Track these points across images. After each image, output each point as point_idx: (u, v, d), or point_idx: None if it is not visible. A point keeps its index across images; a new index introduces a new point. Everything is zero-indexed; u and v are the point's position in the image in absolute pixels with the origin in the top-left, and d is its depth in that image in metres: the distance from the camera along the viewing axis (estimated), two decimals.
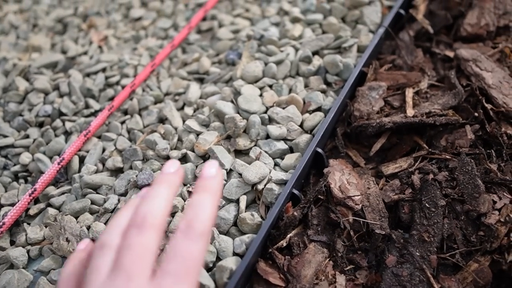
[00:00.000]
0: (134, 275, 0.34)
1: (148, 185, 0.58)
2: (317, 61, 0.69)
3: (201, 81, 0.74)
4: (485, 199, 0.51)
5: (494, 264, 0.49)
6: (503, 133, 0.57)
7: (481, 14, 0.72)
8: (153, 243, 0.36)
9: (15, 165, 0.67)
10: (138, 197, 0.41)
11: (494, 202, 0.52)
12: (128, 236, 0.36)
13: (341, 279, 0.50)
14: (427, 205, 0.52)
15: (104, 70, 0.78)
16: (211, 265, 0.50)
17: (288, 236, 0.53)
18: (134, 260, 0.34)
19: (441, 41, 0.74)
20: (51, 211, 0.60)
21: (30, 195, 0.60)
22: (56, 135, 0.69)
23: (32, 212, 0.61)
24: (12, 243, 0.59)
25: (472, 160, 0.55)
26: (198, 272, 0.36)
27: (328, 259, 0.52)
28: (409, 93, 0.64)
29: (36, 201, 0.63)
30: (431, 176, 0.55)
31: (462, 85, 0.64)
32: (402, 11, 0.77)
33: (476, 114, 0.60)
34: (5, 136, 0.70)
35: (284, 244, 0.53)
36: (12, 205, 0.62)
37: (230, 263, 0.48)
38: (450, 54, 0.70)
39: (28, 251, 0.56)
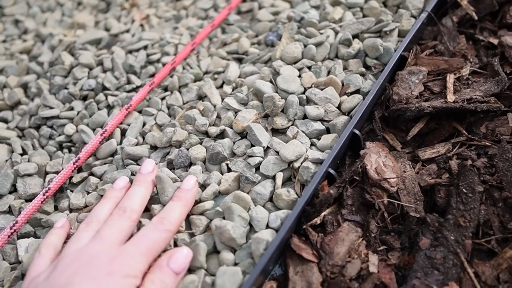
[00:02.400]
0: (108, 240, 0.47)
1: (184, 167, 0.60)
2: (357, 44, 0.69)
3: (240, 61, 0.75)
4: None
5: None
6: None
7: None
8: (128, 227, 0.50)
9: (59, 135, 0.70)
10: (114, 190, 0.55)
11: None
12: (110, 218, 0.50)
13: (373, 259, 0.51)
14: (464, 190, 0.52)
15: (145, 47, 0.80)
16: (245, 228, 0.51)
17: (322, 214, 0.54)
18: (111, 233, 0.48)
19: (485, 28, 0.72)
20: (93, 179, 0.62)
21: (74, 164, 0.62)
22: (99, 108, 0.72)
23: (75, 180, 0.64)
24: (56, 208, 0.62)
25: (511, 148, 0.54)
26: (155, 254, 0.48)
27: (361, 239, 0.53)
28: (450, 78, 0.63)
29: (79, 170, 0.65)
30: (469, 162, 0.55)
31: (506, 73, 0.63)
32: None
33: None
34: (51, 108, 0.73)
35: (318, 222, 0.53)
36: (57, 172, 0.65)
37: (266, 235, 0.49)
38: (494, 41, 0.68)
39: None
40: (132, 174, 0.61)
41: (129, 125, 0.68)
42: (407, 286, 0.48)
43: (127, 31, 0.87)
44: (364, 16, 0.75)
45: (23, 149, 0.70)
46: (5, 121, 0.75)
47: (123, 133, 0.68)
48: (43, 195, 0.59)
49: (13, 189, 0.65)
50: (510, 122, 0.58)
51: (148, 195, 0.54)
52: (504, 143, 0.55)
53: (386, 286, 0.49)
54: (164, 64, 0.76)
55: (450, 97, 0.60)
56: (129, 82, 0.75)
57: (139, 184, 0.54)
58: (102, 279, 0.43)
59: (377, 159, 0.57)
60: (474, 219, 0.51)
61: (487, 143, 0.57)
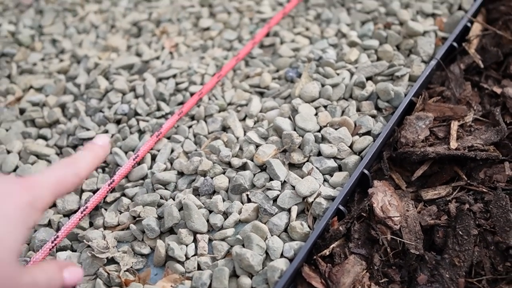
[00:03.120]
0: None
1: (208, 195, 0.66)
2: (370, 87, 0.75)
3: (261, 94, 0.82)
4: None
5: None
6: None
7: None
8: (70, 177, 0.48)
9: None
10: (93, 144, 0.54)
11: None
12: (57, 165, 0.48)
13: None
14: (460, 232, 0.58)
15: (174, 76, 0.87)
16: (262, 256, 0.58)
17: (331, 246, 0.60)
18: (52, 170, 0.47)
19: (490, 76, 0.78)
20: (125, 200, 0.69)
21: (109, 185, 0.69)
22: (131, 133, 0.79)
23: (109, 199, 0.70)
24: (91, 224, 0.69)
25: (507, 196, 0.60)
26: (61, 191, 0.47)
27: (365, 271, 0.59)
28: (454, 126, 0.69)
29: (112, 190, 0.72)
30: (466, 206, 0.61)
31: (506, 123, 0.68)
32: (455, 44, 0.81)
33: None
34: (87, 129, 0.80)
35: (327, 253, 0.60)
36: (92, 191, 0.72)
37: (281, 264, 0.55)
38: (498, 90, 0.74)
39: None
40: (161, 197, 0.68)
41: (159, 150, 0.75)
42: None
43: (158, 57, 0.94)
44: (378, 58, 0.82)
45: None
46: (45, 138, 0.83)
47: (153, 158, 0.74)
48: (81, 213, 0.66)
49: (53, 204, 0.72)
50: (507, 170, 0.64)
51: (93, 164, 0.52)
52: (499, 191, 0.61)
53: None
54: (191, 94, 0.83)
55: (453, 144, 0.66)
56: (159, 109, 0.82)
57: (88, 150, 0.53)
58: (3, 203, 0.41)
59: (383, 198, 0.63)
60: (468, 259, 0.57)
61: (484, 189, 0.62)
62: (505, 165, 0.64)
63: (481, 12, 0.89)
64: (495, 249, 0.57)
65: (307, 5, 1.00)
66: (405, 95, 0.73)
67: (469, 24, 0.85)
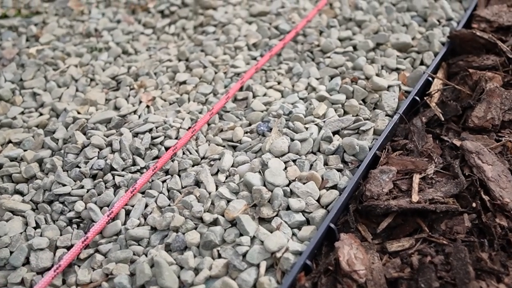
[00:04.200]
0: None
1: (180, 250, 0.68)
2: (336, 141, 0.78)
3: (234, 148, 0.84)
4: (474, 286, 0.59)
5: None
6: (497, 224, 0.65)
7: (488, 108, 0.81)
8: None
9: (70, 211, 0.78)
10: None
11: None
12: None
13: None
14: (422, 285, 0.60)
15: (150, 130, 0.90)
16: None
17: None
18: None
19: (451, 129, 0.82)
20: (99, 257, 0.70)
21: (82, 242, 0.70)
22: (106, 188, 0.80)
23: (82, 256, 0.71)
24: (64, 282, 0.70)
25: (465, 248, 0.62)
26: None
27: None
28: (416, 179, 0.72)
29: (86, 246, 0.73)
30: (428, 258, 0.63)
31: (464, 175, 0.72)
32: (417, 98, 0.86)
33: (474, 204, 0.68)
34: (64, 185, 0.81)
35: None
36: (66, 247, 0.73)
37: None
38: (457, 143, 0.78)
39: None
40: (134, 254, 0.69)
41: (133, 206, 0.76)
42: None
43: (135, 112, 0.97)
44: (344, 112, 0.86)
45: (36, 222, 0.78)
46: (21, 193, 0.84)
47: (128, 213, 0.76)
48: (54, 271, 0.67)
49: (26, 262, 0.72)
50: (466, 222, 0.67)
51: None
52: (458, 243, 0.63)
53: None
54: (166, 148, 0.85)
55: (415, 197, 0.69)
56: (134, 163, 0.84)
57: None
58: None
59: (349, 251, 0.66)
60: None
61: (444, 242, 0.65)
62: (464, 217, 0.67)
63: (442, 66, 0.95)
64: None
65: (280, 59, 1.05)
66: (370, 149, 0.76)
67: (430, 79, 0.90)
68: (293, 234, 0.68)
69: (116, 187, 0.81)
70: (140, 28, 1.26)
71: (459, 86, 0.87)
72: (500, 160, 0.74)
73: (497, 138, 0.78)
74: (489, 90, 0.82)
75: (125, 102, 1.00)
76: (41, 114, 1.02)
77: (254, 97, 0.95)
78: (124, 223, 0.74)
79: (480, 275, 0.61)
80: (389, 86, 0.89)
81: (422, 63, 0.95)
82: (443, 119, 0.83)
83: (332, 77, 0.95)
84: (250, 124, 0.89)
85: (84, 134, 0.92)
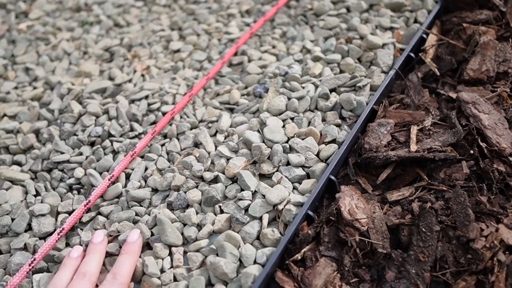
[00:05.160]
0: None
1: (182, 208, 0.68)
2: (334, 98, 0.78)
3: (231, 110, 0.84)
4: (474, 227, 0.60)
5: (479, 284, 0.57)
6: (495, 169, 0.66)
7: (482, 61, 0.81)
8: None
9: (70, 178, 0.78)
10: (70, 258, 0.63)
11: (482, 230, 0.60)
12: (72, 284, 0.59)
13: None
14: (423, 229, 0.61)
15: (146, 97, 0.89)
16: (236, 263, 0.59)
17: (303, 250, 0.62)
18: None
19: (446, 83, 0.83)
20: (101, 218, 0.70)
21: (85, 206, 0.70)
22: (105, 154, 0.80)
23: (84, 219, 0.71)
24: (67, 245, 0.70)
25: (465, 192, 0.63)
26: None
27: (336, 272, 0.61)
28: (414, 130, 0.73)
29: (88, 210, 0.73)
30: (428, 204, 0.64)
31: (461, 125, 0.72)
32: (412, 54, 0.86)
33: (472, 151, 0.68)
34: (62, 153, 0.81)
35: (299, 258, 0.62)
36: (68, 212, 0.73)
37: (254, 270, 0.57)
38: (453, 95, 0.78)
39: None
40: (137, 214, 0.69)
41: (133, 169, 0.76)
42: None
43: (130, 81, 0.96)
44: (340, 71, 0.86)
45: (36, 190, 0.78)
46: (19, 164, 0.83)
47: (128, 177, 0.76)
48: (58, 234, 0.67)
49: (28, 228, 0.72)
50: (464, 169, 0.67)
51: (100, 261, 0.63)
52: (458, 188, 0.64)
53: None
54: (163, 113, 0.85)
55: (413, 147, 0.70)
56: (132, 129, 0.84)
57: (92, 252, 0.63)
58: None
59: (350, 202, 0.66)
60: (432, 254, 0.59)
61: (444, 188, 0.66)
62: (463, 164, 0.68)
63: (436, 24, 0.95)
64: (456, 243, 0.60)
65: (273, 24, 1.05)
66: (367, 104, 0.76)
67: (424, 36, 0.90)
68: (294, 188, 0.68)
69: (115, 153, 0.81)
70: (130, 1, 1.24)
71: (453, 41, 0.87)
72: (496, 109, 0.74)
73: (492, 89, 0.79)
74: (483, 43, 0.83)
75: (119, 72, 0.99)
76: (35, 88, 1.01)
77: (249, 61, 0.95)
78: (125, 186, 0.75)
79: (479, 217, 0.62)
80: (383, 44, 0.89)
81: (416, 21, 0.95)
82: (438, 73, 0.83)
83: (326, 39, 0.95)
84: (246, 87, 0.89)
85: (80, 103, 0.91)
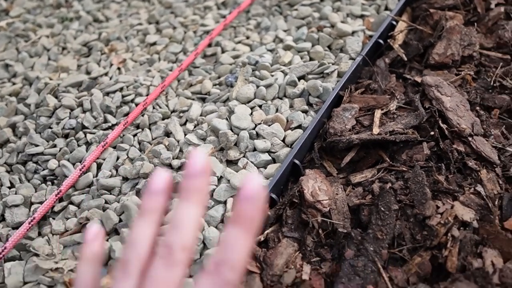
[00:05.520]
0: None
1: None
2: (301, 85, 0.80)
3: (203, 100, 0.86)
4: (430, 205, 0.61)
5: (434, 258, 0.58)
6: (454, 149, 0.67)
7: (448, 45, 0.82)
8: (179, 280, 0.32)
9: (44, 169, 0.80)
10: (151, 197, 0.35)
11: (438, 207, 0.61)
12: (154, 268, 0.33)
13: (306, 268, 0.60)
14: (382, 208, 0.62)
15: (121, 89, 0.91)
16: (199, 246, 0.61)
17: (266, 232, 0.64)
18: None
19: (413, 68, 0.84)
20: (72, 207, 0.72)
21: (56, 195, 0.72)
22: (78, 145, 0.82)
23: (56, 209, 0.73)
24: (39, 234, 0.71)
25: (423, 172, 0.65)
26: None
27: (298, 252, 0.63)
28: (378, 114, 0.74)
29: (60, 200, 0.75)
30: (388, 185, 0.65)
31: (424, 108, 0.74)
32: (381, 41, 0.87)
33: (433, 133, 0.70)
34: (36, 145, 0.83)
35: (262, 239, 0.63)
36: (41, 203, 0.74)
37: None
38: (419, 79, 0.80)
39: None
40: (106, 202, 0.71)
41: (104, 159, 0.78)
42: None
43: (106, 74, 0.98)
44: (310, 59, 0.87)
45: (11, 182, 0.79)
46: None
47: (99, 166, 0.77)
48: (29, 223, 0.68)
49: (2, 219, 0.74)
50: (425, 150, 0.69)
51: (201, 214, 0.34)
52: (417, 168, 0.65)
53: None
54: (137, 104, 0.87)
55: (375, 130, 0.71)
56: (105, 121, 0.85)
57: (188, 198, 0.34)
58: None
59: (313, 184, 0.68)
60: (390, 232, 0.61)
61: (404, 169, 0.67)
62: (423, 145, 0.69)
63: (406, 11, 0.96)
64: (414, 220, 0.61)
65: (248, 15, 1.06)
66: (333, 90, 0.78)
67: (394, 23, 0.91)
68: (260, 173, 0.70)
69: (88, 144, 0.82)
70: None
71: (421, 26, 0.88)
72: (459, 92, 0.75)
73: (457, 72, 0.80)
74: (449, 28, 0.84)
75: (96, 66, 1.01)
76: (14, 84, 1.03)
77: (223, 52, 0.96)
78: (96, 175, 0.76)
79: (437, 195, 0.63)
80: (353, 32, 0.90)
81: (387, 9, 0.96)
82: (406, 59, 0.84)
83: (298, 28, 0.96)
84: (219, 77, 0.90)
85: (56, 97, 0.93)
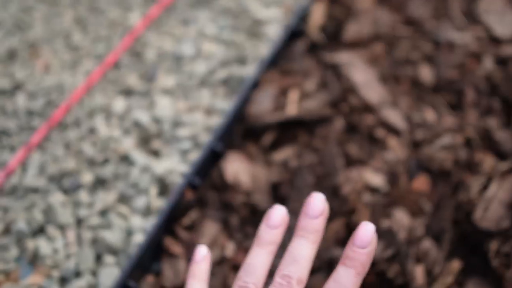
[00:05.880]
0: None
1: (74, 191, 0.70)
2: (222, 73, 0.82)
3: (127, 94, 0.87)
4: (342, 174, 0.65)
5: (347, 224, 0.62)
6: (364, 121, 0.71)
7: (359, 24, 0.86)
8: None
9: None
10: (269, 230, 0.42)
11: (350, 176, 0.65)
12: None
13: (230, 246, 0.63)
14: (299, 183, 0.66)
15: (46, 92, 0.90)
16: (123, 235, 0.62)
17: (189, 216, 0.66)
18: None
19: (329, 48, 0.88)
20: None
21: None
22: (2, 151, 0.81)
23: None
24: None
25: (335, 145, 0.68)
26: None
27: (222, 232, 0.65)
28: (294, 94, 0.77)
29: None
30: (305, 160, 0.68)
31: (338, 85, 0.77)
32: (298, 25, 0.90)
33: (345, 107, 0.73)
34: None
35: (187, 223, 0.65)
36: None
37: (139, 238, 0.60)
38: (333, 59, 0.83)
39: None
40: (32, 203, 0.71)
41: (29, 162, 0.77)
42: None
43: (30, 77, 0.97)
44: (231, 47, 0.89)
45: None
46: None
47: (24, 169, 0.77)
48: None
49: None
50: (339, 124, 0.72)
51: (315, 253, 0.39)
52: (330, 142, 0.69)
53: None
54: (61, 105, 0.86)
55: (292, 110, 0.74)
56: (30, 124, 0.85)
57: (307, 237, 0.39)
58: None
59: (234, 166, 0.70)
60: None
61: (319, 144, 0.71)
62: (337, 120, 0.73)
63: None
64: (329, 191, 0.65)
65: (172, 9, 1.07)
66: (252, 75, 0.80)
67: (310, 6, 0.94)
68: (183, 160, 0.72)
69: (12, 149, 0.81)
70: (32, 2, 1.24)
71: (335, 7, 0.92)
72: (370, 68, 0.80)
73: (369, 49, 0.84)
74: (360, 8, 0.88)
75: (20, 70, 0.99)
76: None
77: (147, 47, 0.97)
78: (21, 178, 0.76)
79: (349, 165, 0.67)
80: (271, 17, 0.93)
81: None
82: (322, 40, 0.88)
83: (220, 18, 0.98)
84: (143, 72, 0.91)
85: None
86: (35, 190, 0.73)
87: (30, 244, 0.65)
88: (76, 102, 0.87)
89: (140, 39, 1.00)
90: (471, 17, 0.86)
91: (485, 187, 0.59)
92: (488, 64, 0.76)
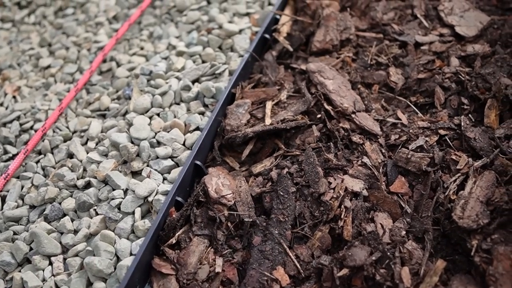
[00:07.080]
0: None
1: (58, 219, 0.70)
2: (195, 88, 0.83)
3: (103, 116, 0.86)
4: (323, 182, 0.67)
5: (332, 230, 0.64)
6: (340, 128, 0.73)
7: (326, 32, 0.89)
8: None
9: None
10: None
11: (330, 183, 0.67)
12: None
13: (219, 261, 0.64)
14: (281, 193, 0.67)
15: (18, 118, 0.89)
16: (111, 259, 0.62)
17: (177, 234, 0.66)
18: None
19: (299, 57, 0.90)
20: None
21: None
22: None
23: None
24: None
25: (314, 153, 0.70)
26: None
27: (209, 247, 0.66)
28: (269, 105, 0.79)
29: None
30: (285, 170, 0.70)
31: (311, 93, 0.79)
32: (267, 35, 0.92)
33: (319, 115, 0.75)
34: None
35: (174, 241, 0.66)
36: None
37: (128, 261, 0.61)
38: (304, 67, 0.85)
39: None
40: (15, 233, 0.70)
41: (8, 191, 0.77)
42: (246, 277, 0.62)
43: (1, 104, 0.95)
44: (203, 61, 0.90)
45: None
46: None
47: (3, 199, 0.76)
48: None
49: None
50: (315, 132, 0.74)
51: None
52: (308, 150, 0.71)
53: (231, 280, 0.63)
54: (36, 130, 0.85)
55: (268, 121, 0.76)
56: (5, 152, 0.83)
57: None
58: None
59: (217, 181, 0.71)
60: (291, 214, 0.66)
61: (297, 152, 0.72)
62: (313, 128, 0.75)
63: (289, 3, 1.02)
64: (311, 199, 0.67)
65: (140, 26, 1.07)
66: (225, 88, 0.81)
67: (278, 17, 0.96)
68: (164, 179, 0.72)
69: None
70: None
71: (301, 17, 0.94)
72: (340, 74, 0.82)
73: (337, 56, 0.87)
74: (326, 16, 0.90)
75: None
76: None
77: (118, 66, 0.97)
78: (1, 209, 0.75)
79: (328, 172, 0.69)
80: (240, 30, 0.94)
81: (270, 4, 1.01)
82: (291, 49, 0.90)
83: (189, 33, 0.99)
84: (117, 91, 0.91)
85: None
86: (17, 220, 0.72)
87: (17, 276, 0.64)
88: (50, 127, 0.86)
89: (110, 58, 1.00)
90: (435, 18, 0.89)
91: (462, 186, 0.62)
92: (454, 63, 0.79)
